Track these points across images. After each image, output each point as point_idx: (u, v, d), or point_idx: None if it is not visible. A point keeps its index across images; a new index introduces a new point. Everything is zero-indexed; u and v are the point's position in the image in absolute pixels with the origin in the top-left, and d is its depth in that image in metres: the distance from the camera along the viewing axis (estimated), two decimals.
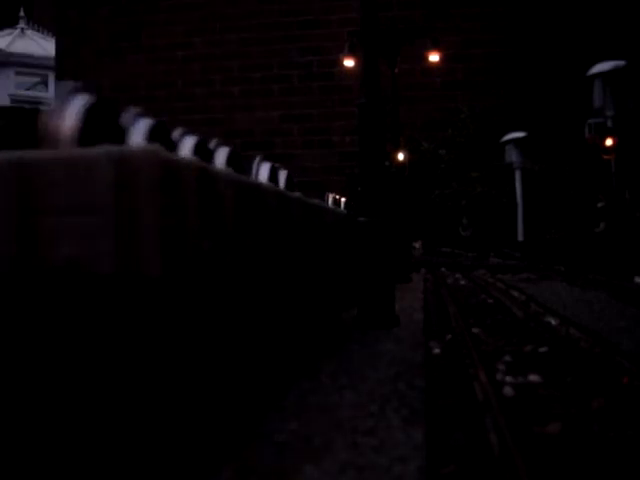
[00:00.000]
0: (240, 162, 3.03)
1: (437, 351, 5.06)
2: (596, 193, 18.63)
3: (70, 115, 2.08)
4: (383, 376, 4.17)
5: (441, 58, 17.04)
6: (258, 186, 3.42)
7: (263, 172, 3.07)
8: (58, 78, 29.10)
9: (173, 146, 2.58)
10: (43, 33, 36.88)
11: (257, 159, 3.52)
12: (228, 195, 2.63)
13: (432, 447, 2.82)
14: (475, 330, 6.01)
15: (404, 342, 5.49)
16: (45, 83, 34.89)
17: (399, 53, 15.17)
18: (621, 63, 18.77)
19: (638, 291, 9.30)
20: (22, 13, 37.53)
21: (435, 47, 16.76)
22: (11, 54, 35.40)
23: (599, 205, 18.11)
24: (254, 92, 27.26)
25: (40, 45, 35.98)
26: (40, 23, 37.15)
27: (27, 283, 2.02)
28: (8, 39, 36.24)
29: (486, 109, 23.74)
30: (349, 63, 16.46)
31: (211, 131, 27.49)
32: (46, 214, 2.06)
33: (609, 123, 17.95)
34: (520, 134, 21.71)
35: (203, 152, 2.99)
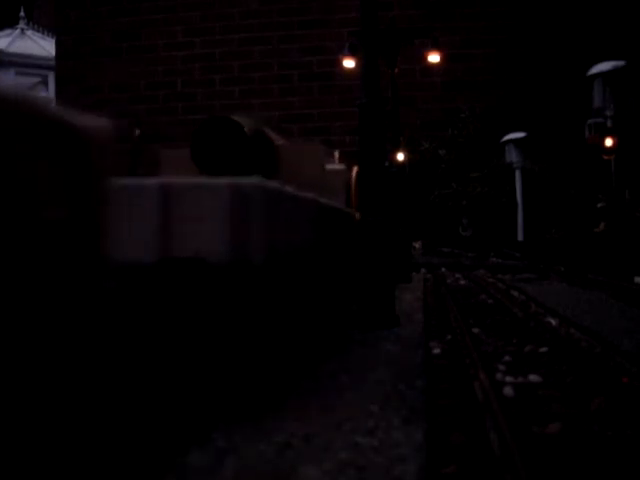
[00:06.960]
0: None
1: (437, 351, 5.06)
2: (596, 193, 18.61)
3: None
4: (383, 376, 4.16)
5: (441, 58, 16.99)
6: None
7: None
8: (58, 78, 29.11)
9: None
10: (43, 33, 36.84)
11: None
12: None
13: (432, 447, 2.82)
14: (475, 330, 6.01)
15: (404, 342, 5.49)
16: (45, 83, 34.85)
17: (399, 53, 15.13)
18: (621, 63, 18.76)
19: (638, 291, 9.29)
20: (22, 13, 37.48)
21: (435, 47, 16.71)
22: (11, 54, 35.36)
23: (599, 205, 18.09)
24: (254, 92, 27.24)
25: (40, 45, 35.95)
26: (40, 23, 37.12)
27: None
28: (8, 39, 36.19)
29: (486, 109, 23.72)
30: (349, 63, 16.40)
31: None
32: None
33: (609, 123, 17.93)
34: (520, 134, 21.70)
35: None
